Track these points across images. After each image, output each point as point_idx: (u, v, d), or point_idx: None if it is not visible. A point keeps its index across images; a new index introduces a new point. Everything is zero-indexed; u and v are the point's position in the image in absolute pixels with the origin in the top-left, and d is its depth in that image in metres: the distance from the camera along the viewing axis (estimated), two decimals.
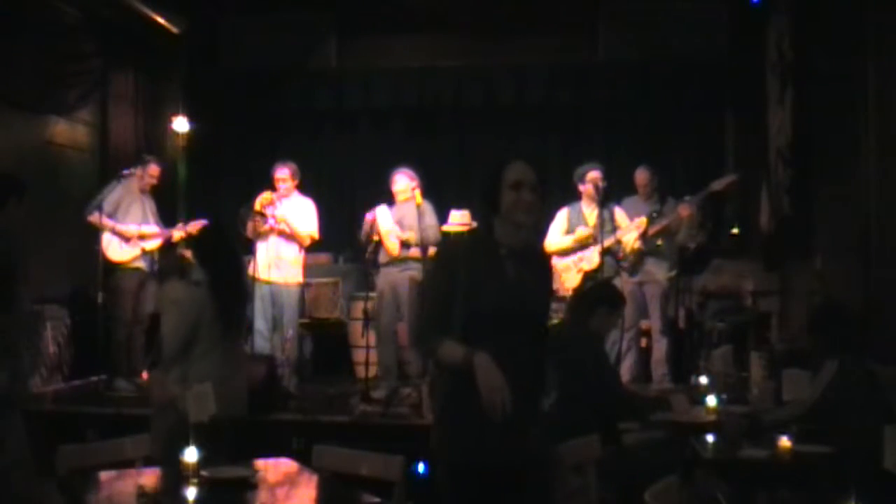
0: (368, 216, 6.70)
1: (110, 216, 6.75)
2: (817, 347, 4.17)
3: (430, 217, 6.69)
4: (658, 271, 6.82)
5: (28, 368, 5.62)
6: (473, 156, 9.06)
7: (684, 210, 6.57)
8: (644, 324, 6.97)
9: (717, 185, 6.62)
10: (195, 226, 6.73)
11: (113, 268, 6.79)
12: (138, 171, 6.92)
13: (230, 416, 3.78)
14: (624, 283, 6.58)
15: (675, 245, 6.82)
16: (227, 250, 4.24)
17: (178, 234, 6.89)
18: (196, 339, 3.96)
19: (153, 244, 6.94)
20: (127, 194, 6.86)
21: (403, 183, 6.72)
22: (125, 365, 6.78)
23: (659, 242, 6.77)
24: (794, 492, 3.75)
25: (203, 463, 3.03)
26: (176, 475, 3.04)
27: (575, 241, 6.66)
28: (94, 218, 6.68)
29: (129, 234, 6.80)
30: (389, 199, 6.82)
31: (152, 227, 6.92)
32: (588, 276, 6.52)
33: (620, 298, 4.81)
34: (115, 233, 6.76)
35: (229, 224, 6.74)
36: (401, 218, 6.67)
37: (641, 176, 7.03)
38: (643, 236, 6.64)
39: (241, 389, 4.10)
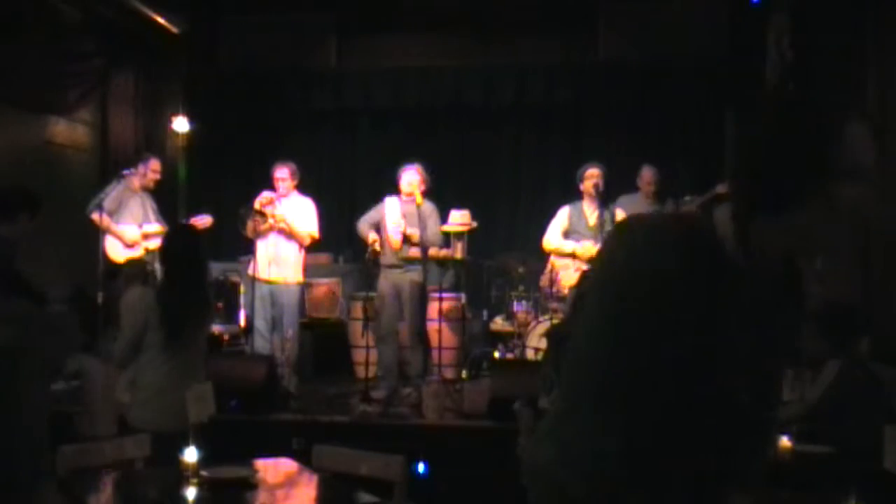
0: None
1: (111, 215, 6.76)
2: (818, 348, 4.17)
3: (434, 223, 6.63)
4: None
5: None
6: (473, 156, 9.07)
7: None
8: None
9: (723, 187, 6.54)
10: (198, 221, 6.76)
11: (116, 269, 6.79)
12: (140, 168, 6.93)
13: (164, 431, 3.54)
14: None
15: None
16: (190, 256, 4.01)
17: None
18: (144, 344, 3.88)
19: (157, 242, 6.94)
20: (127, 193, 6.86)
21: (412, 179, 6.62)
22: None
23: None
24: (794, 492, 3.75)
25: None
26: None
27: (574, 252, 6.66)
28: (96, 217, 6.69)
29: (131, 239, 6.80)
30: (395, 194, 6.77)
31: (154, 226, 6.93)
32: (587, 274, 6.50)
33: None
34: (115, 236, 6.76)
35: (229, 223, 6.77)
36: (405, 214, 6.63)
37: (647, 174, 6.99)
38: None
39: (178, 403, 3.43)
